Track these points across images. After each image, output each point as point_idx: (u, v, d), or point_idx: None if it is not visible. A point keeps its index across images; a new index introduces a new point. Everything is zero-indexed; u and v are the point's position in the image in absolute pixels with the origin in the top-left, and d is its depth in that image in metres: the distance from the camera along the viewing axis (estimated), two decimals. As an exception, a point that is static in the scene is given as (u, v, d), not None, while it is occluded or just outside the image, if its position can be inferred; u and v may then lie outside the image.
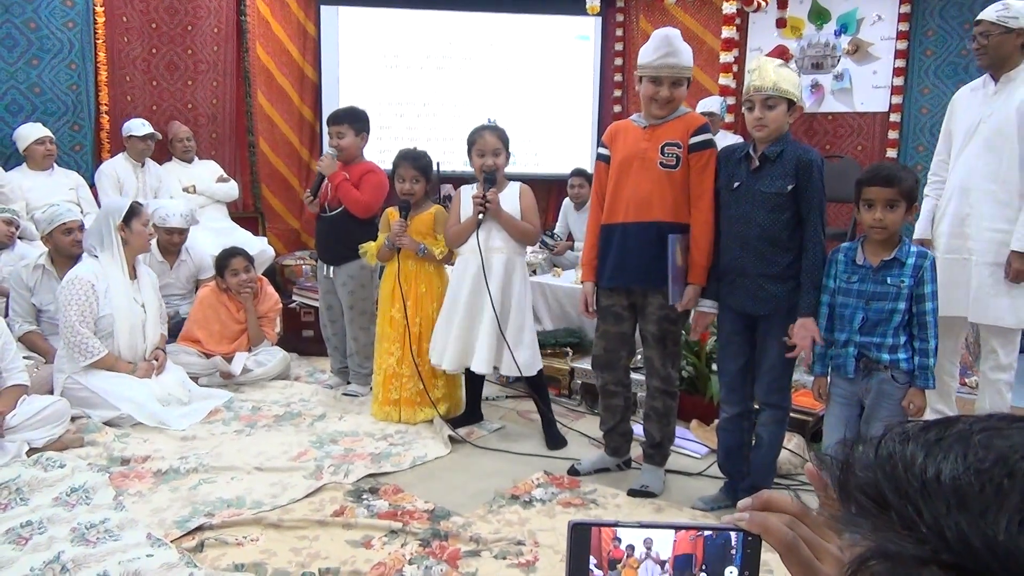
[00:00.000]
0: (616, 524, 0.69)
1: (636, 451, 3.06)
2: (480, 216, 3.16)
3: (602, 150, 2.85)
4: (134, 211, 3.57)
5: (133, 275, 3.62)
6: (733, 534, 0.68)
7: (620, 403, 2.94)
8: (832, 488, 0.51)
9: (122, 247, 3.53)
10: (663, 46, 2.61)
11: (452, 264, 4.37)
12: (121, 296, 3.50)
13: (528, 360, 3.23)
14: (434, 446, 3.22)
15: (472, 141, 3.23)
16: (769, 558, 2.09)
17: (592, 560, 0.69)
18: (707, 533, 0.69)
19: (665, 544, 0.69)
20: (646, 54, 2.65)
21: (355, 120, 3.71)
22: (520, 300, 3.25)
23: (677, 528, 0.69)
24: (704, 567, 0.69)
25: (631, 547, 0.69)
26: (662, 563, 0.69)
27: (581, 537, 0.69)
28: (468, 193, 3.28)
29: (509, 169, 3.33)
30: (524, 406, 3.72)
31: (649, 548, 0.69)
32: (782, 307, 2.49)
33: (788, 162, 2.44)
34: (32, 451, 2.94)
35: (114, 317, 3.47)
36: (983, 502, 0.41)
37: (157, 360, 3.61)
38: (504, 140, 3.23)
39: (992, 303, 3.01)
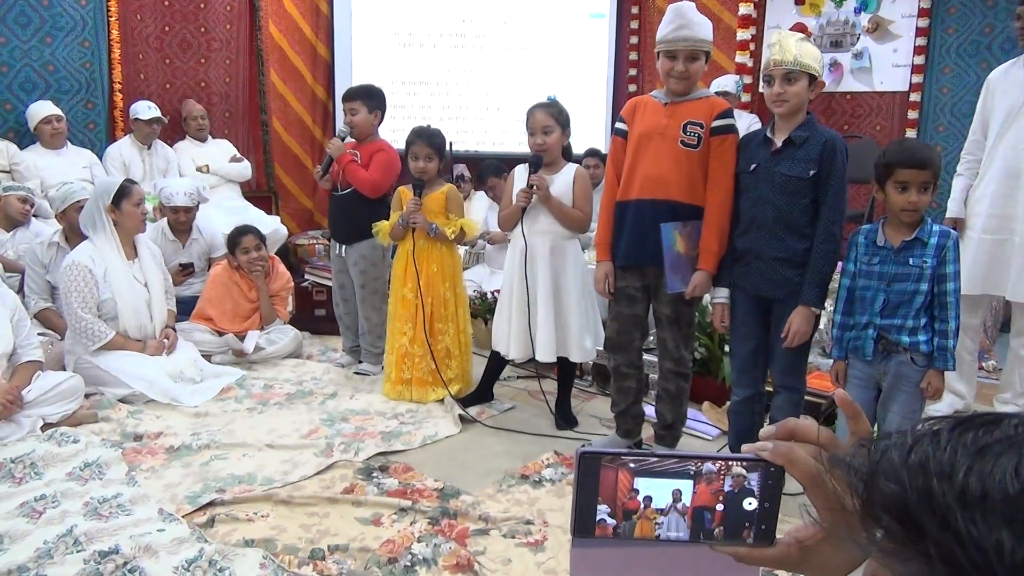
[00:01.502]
0: (628, 453, 0.67)
1: (647, 432, 3.05)
2: (524, 205, 3.06)
3: (620, 124, 2.78)
4: (124, 191, 3.47)
5: (134, 254, 3.59)
6: (752, 473, 0.66)
7: (632, 385, 2.92)
8: (853, 501, 0.42)
9: (114, 229, 3.48)
10: (676, 19, 2.56)
11: (465, 244, 4.36)
12: (120, 278, 3.47)
13: (592, 345, 3.18)
14: (444, 425, 3.22)
15: (525, 120, 3.11)
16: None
17: (605, 508, 0.67)
18: (727, 489, 0.66)
19: (687, 495, 0.67)
20: (662, 27, 2.60)
21: (369, 97, 3.68)
22: (578, 284, 3.13)
23: (695, 459, 0.67)
24: (726, 505, 0.67)
25: (648, 498, 0.67)
26: (682, 512, 0.67)
27: (590, 468, 0.67)
28: (521, 174, 3.15)
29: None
30: (535, 387, 3.71)
31: (677, 500, 0.67)
32: (797, 291, 2.45)
33: (813, 147, 2.39)
34: (46, 426, 2.97)
35: (116, 300, 3.44)
36: None
37: (168, 339, 3.62)
38: (557, 117, 3.06)
39: None
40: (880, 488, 0.39)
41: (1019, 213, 3.09)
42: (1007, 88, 3.15)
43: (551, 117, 3.06)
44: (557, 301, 3.13)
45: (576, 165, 3.18)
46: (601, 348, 3.16)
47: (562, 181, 3.10)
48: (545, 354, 3.12)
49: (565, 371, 3.34)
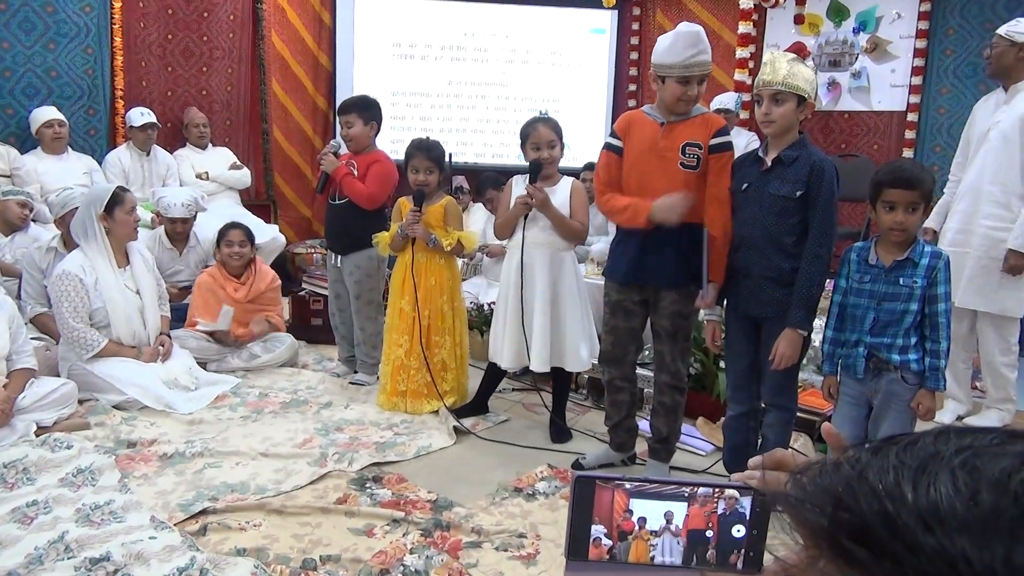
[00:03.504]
0: (621, 478, 0.68)
1: (641, 447, 3.05)
2: (523, 213, 3.09)
3: (613, 140, 2.76)
4: (116, 199, 3.44)
5: (125, 262, 3.56)
6: (744, 498, 0.68)
7: (626, 398, 2.93)
8: (810, 538, 0.43)
9: (106, 237, 3.45)
10: (694, 43, 2.53)
11: (463, 257, 4.37)
12: (112, 287, 3.44)
13: (588, 355, 3.20)
14: (439, 437, 3.22)
15: (526, 134, 3.12)
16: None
17: (601, 529, 0.68)
18: (720, 512, 0.68)
19: (679, 517, 0.69)
20: (674, 52, 2.54)
21: (364, 109, 3.69)
22: (574, 294, 3.16)
23: (686, 486, 0.69)
24: (718, 530, 0.68)
25: (643, 519, 0.68)
26: (675, 533, 0.68)
27: (585, 491, 0.68)
28: (519, 183, 3.18)
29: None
30: (530, 399, 3.71)
31: (669, 521, 0.68)
32: (784, 310, 2.44)
33: (802, 167, 2.39)
34: (40, 430, 2.96)
35: (107, 309, 3.42)
36: (984, 526, 0.37)
37: (163, 347, 3.61)
38: (558, 132, 3.12)
39: (982, 293, 3.36)
40: (841, 519, 0.41)
41: (977, 229, 3.37)
42: (983, 115, 3.45)
43: (553, 132, 3.11)
44: (555, 311, 3.15)
45: (572, 178, 3.22)
46: (597, 359, 3.17)
47: (560, 194, 3.13)
48: (540, 364, 3.14)
49: (560, 383, 3.35)
